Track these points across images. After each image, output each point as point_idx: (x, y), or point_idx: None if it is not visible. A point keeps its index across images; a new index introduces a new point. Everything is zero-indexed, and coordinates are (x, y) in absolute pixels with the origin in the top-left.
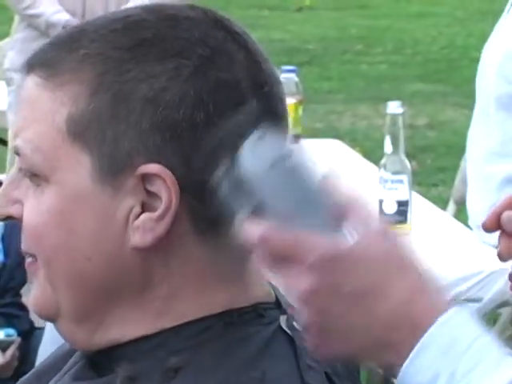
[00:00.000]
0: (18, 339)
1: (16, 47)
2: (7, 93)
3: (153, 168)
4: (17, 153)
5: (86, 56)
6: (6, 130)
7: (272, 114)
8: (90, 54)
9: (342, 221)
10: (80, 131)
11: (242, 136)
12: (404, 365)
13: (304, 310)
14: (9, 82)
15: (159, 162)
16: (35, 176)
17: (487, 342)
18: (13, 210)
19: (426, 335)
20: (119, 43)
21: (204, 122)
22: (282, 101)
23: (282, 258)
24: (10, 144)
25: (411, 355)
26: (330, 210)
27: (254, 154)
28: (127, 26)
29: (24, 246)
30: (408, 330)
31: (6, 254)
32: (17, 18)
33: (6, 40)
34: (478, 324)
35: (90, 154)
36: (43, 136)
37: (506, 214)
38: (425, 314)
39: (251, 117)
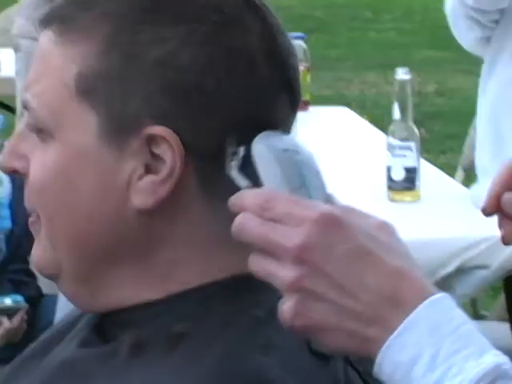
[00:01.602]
0: (26, 305)
1: (24, 14)
2: (15, 60)
3: (159, 130)
4: (25, 106)
5: (101, 15)
6: (14, 98)
7: (284, 84)
8: (105, 13)
9: None
10: (88, 89)
11: (252, 104)
12: (388, 340)
13: (293, 268)
14: (17, 49)
15: (166, 125)
16: (41, 132)
17: (473, 329)
18: (17, 164)
19: (415, 313)
20: (135, 4)
21: (214, 87)
22: (295, 75)
23: (281, 216)
24: (19, 111)
25: (397, 331)
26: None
27: (266, 143)
28: None
29: (27, 201)
30: (396, 305)
31: (13, 221)
32: None
33: (14, 6)
34: (464, 312)
35: (97, 113)
36: (51, 91)
37: (507, 197)
38: (414, 292)
39: (263, 86)
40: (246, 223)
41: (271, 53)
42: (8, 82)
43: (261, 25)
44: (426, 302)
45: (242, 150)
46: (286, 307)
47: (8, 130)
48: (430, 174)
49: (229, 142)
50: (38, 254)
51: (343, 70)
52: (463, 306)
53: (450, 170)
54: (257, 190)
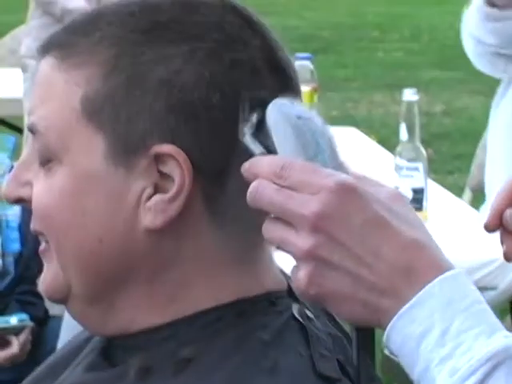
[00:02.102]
0: (31, 324)
1: (32, 34)
2: (23, 80)
3: (166, 148)
4: (31, 130)
5: (102, 38)
6: (21, 118)
7: (288, 91)
8: (106, 37)
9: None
10: (94, 111)
11: (258, 116)
12: (400, 311)
13: (309, 236)
14: (24, 69)
15: (173, 143)
16: (47, 159)
17: (486, 308)
18: (23, 193)
19: (428, 287)
20: (135, 26)
21: (219, 103)
22: (297, 84)
23: (297, 184)
24: (26, 132)
25: (409, 303)
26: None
27: (280, 109)
28: (144, 9)
29: (34, 226)
30: (411, 277)
31: (22, 244)
32: (32, 5)
33: (22, 27)
34: (475, 288)
35: (104, 135)
36: (58, 114)
37: (510, 214)
38: (429, 265)
39: (267, 92)
40: (261, 190)
41: (273, 64)
42: (16, 102)
43: (260, 41)
44: (442, 276)
45: (255, 116)
46: (301, 275)
47: (16, 150)
48: (437, 195)
49: (242, 107)
50: (48, 281)
51: (350, 91)
52: None
53: (457, 191)
54: (272, 157)
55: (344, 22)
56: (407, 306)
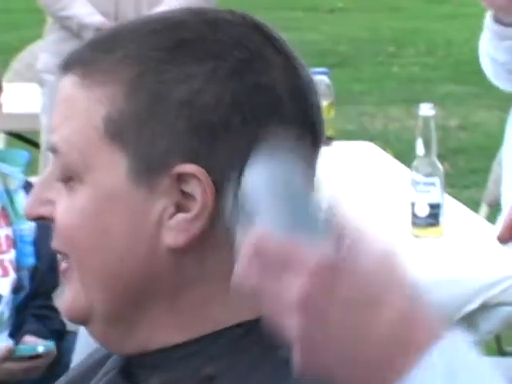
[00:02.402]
0: (55, 351)
1: (49, 49)
2: (40, 95)
3: (189, 168)
4: (52, 150)
5: (124, 56)
6: (38, 133)
7: (307, 124)
8: (128, 54)
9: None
10: (117, 131)
11: (276, 138)
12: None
13: (297, 318)
14: (42, 84)
15: (195, 163)
16: (69, 178)
17: (486, 368)
18: (43, 211)
19: (427, 357)
20: (158, 44)
21: (240, 124)
22: (318, 115)
23: (278, 264)
24: (43, 146)
25: (410, 375)
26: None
27: (259, 174)
28: (167, 27)
29: (56, 245)
30: (407, 349)
31: (37, 258)
32: (49, 20)
33: (39, 42)
34: (475, 349)
35: (126, 154)
36: (80, 133)
37: None
38: (424, 334)
39: (287, 120)
40: (244, 274)
41: (295, 88)
42: (32, 117)
43: (283, 59)
44: (437, 344)
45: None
46: (297, 357)
47: (32, 165)
48: (453, 210)
49: (231, 176)
50: (69, 302)
51: (367, 105)
52: (487, 343)
53: (473, 206)
54: (253, 233)
55: (360, 36)
56: (409, 378)
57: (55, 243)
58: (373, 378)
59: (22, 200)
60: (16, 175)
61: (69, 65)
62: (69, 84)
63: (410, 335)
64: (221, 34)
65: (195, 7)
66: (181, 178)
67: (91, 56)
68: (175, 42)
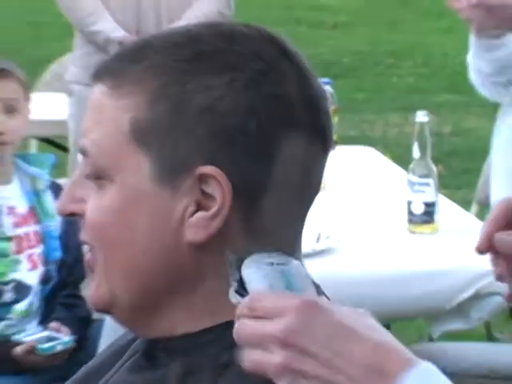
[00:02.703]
0: (74, 345)
1: (76, 62)
2: (68, 104)
3: (209, 170)
4: (83, 152)
5: (149, 67)
6: (66, 138)
7: (318, 130)
8: (153, 66)
9: None
10: (142, 136)
11: (289, 143)
12: None
13: (281, 352)
14: (70, 94)
15: (215, 165)
16: (98, 177)
17: None
18: (75, 208)
19: (403, 382)
20: (180, 56)
21: (256, 130)
22: (327, 115)
23: (267, 311)
24: (71, 150)
25: None
26: None
27: (253, 261)
28: (188, 39)
29: (85, 238)
30: (383, 377)
31: (64, 251)
32: (77, 34)
33: (67, 55)
34: (445, 378)
35: (151, 157)
36: (109, 138)
37: (498, 238)
38: (399, 363)
39: (299, 126)
40: (239, 327)
41: (307, 97)
42: (61, 123)
43: (296, 70)
44: (412, 371)
45: (238, 274)
46: None
47: (61, 167)
48: (447, 208)
49: (228, 265)
50: (94, 291)
51: (367, 112)
52: (478, 329)
53: (465, 204)
54: (246, 297)
55: (361, 49)
56: None
57: (83, 235)
58: None
59: (49, 200)
60: (43, 177)
61: (99, 75)
62: (99, 93)
63: (384, 365)
64: (237, 47)
65: (212, 21)
66: (201, 178)
67: (118, 67)
68: (195, 54)
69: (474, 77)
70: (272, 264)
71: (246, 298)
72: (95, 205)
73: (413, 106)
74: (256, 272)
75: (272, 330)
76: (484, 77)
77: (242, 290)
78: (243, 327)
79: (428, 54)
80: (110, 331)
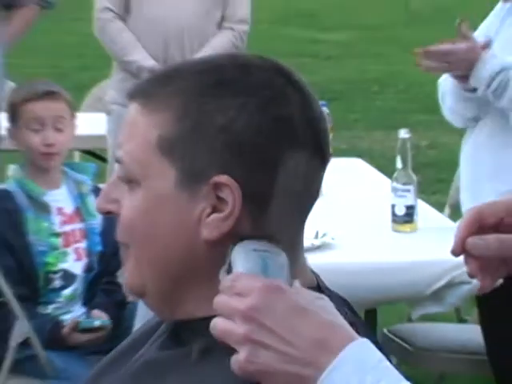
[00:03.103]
0: (110, 325)
1: (114, 86)
2: (107, 121)
3: (223, 179)
4: (118, 161)
5: (176, 90)
6: (105, 150)
7: (318, 143)
8: (179, 89)
9: None
10: (167, 148)
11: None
12: (321, 377)
13: (244, 325)
14: (108, 113)
15: (228, 175)
16: (130, 181)
17: (389, 364)
18: (111, 207)
19: (341, 354)
20: (203, 82)
21: (264, 146)
22: (326, 133)
23: (240, 289)
24: (109, 161)
25: (327, 370)
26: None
27: (241, 247)
28: (210, 68)
29: (118, 237)
30: (326, 350)
31: (103, 245)
32: (114, 63)
33: (106, 80)
34: (380, 352)
35: (174, 167)
36: (139, 149)
37: (470, 242)
38: (341, 339)
39: (302, 144)
40: (217, 300)
41: (309, 119)
42: (101, 138)
43: (300, 96)
44: (351, 344)
45: (228, 257)
46: (240, 357)
47: (100, 175)
48: (424, 211)
49: (228, 251)
50: (128, 280)
51: (357, 130)
52: (450, 313)
53: (439, 207)
54: (230, 278)
55: (352, 77)
56: (326, 372)
57: (118, 235)
58: (302, 375)
59: (92, 201)
60: (87, 182)
61: (133, 95)
62: (133, 111)
63: (328, 340)
64: (251, 76)
65: (232, 53)
66: (217, 186)
67: (150, 89)
68: (215, 80)
69: (446, 111)
70: (255, 250)
71: (228, 277)
72: (127, 205)
73: (394, 125)
74: (240, 256)
75: (239, 306)
76: (456, 114)
77: (230, 270)
78: (220, 300)
79: (407, 82)
80: (143, 313)
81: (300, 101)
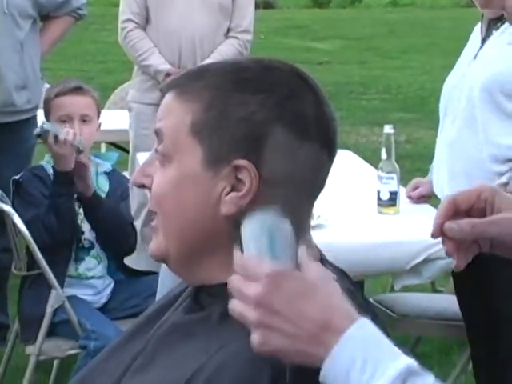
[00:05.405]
0: (81, 145)
1: (135, 86)
2: (129, 117)
3: (243, 162)
4: (156, 132)
5: (206, 85)
6: (127, 142)
7: (327, 138)
8: (208, 84)
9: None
10: (197, 132)
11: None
12: (328, 356)
13: (255, 311)
14: (130, 110)
15: (247, 159)
16: (163, 156)
17: (389, 342)
18: (145, 181)
19: (346, 333)
20: (229, 79)
21: (279, 137)
22: (335, 131)
23: (251, 274)
24: (131, 151)
25: (334, 349)
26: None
27: (251, 219)
28: (235, 67)
29: (150, 206)
30: (330, 330)
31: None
32: (135, 67)
33: (128, 82)
34: (381, 331)
35: (202, 148)
36: (175, 127)
37: (447, 226)
38: (344, 319)
39: (313, 138)
40: (232, 280)
41: (320, 117)
42: (123, 132)
43: (313, 96)
44: (354, 325)
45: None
46: (254, 340)
47: (123, 163)
48: (405, 196)
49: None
50: (155, 247)
51: (345, 126)
52: (426, 285)
53: None
54: (241, 258)
55: (340, 81)
56: (332, 351)
57: (150, 204)
58: (309, 353)
59: (102, 180)
60: (108, 166)
61: (170, 86)
62: (169, 98)
63: (331, 321)
64: (271, 76)
65: (257, 57)
66: (236, 168)
67: (184, 83)
68: (240, 79)
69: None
70: (262, 227)
71: (238, 258)
72: (158, 179)
73: (377, 122)
74: (250, 234)
75: (249, 292)
76: None
77: (242, 246)
78: (233, 284)
79: (388, 85)
80: (166, 280)
81: (313, 100)
